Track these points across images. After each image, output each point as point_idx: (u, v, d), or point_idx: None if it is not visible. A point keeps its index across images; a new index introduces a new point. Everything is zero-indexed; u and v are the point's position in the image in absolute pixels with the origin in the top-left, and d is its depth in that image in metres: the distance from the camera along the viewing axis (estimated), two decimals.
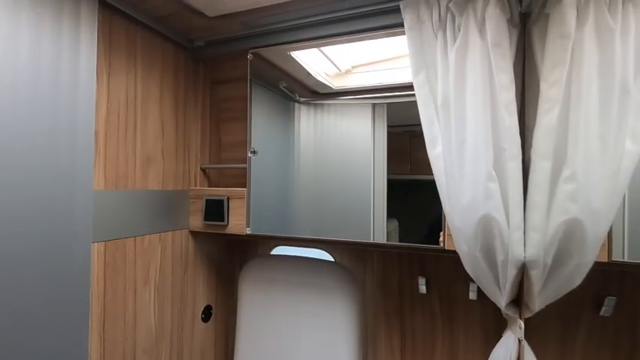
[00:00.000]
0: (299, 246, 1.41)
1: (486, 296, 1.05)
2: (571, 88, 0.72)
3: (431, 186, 0.86)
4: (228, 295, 1.42)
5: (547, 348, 0.98)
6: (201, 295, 1.29)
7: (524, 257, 0.74)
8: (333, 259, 1.34)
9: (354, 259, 1.29)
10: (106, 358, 0.93)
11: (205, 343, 1.31)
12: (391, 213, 1.02)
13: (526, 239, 0.74)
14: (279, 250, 1.45)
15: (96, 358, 0.90)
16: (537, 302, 0.78)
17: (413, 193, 1.02)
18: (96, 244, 0.89)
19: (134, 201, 1.01)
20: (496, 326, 1.02)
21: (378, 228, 1.02)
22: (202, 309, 1.30)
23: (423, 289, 1.10)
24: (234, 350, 1.34)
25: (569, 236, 0.72)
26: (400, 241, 1.00)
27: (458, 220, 0.81)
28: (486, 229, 0.77)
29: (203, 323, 1.31)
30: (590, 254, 0.72)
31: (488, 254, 0.79)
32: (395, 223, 1.03)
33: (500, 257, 0.77)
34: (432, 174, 0.85)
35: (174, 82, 1.16)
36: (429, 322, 1.12)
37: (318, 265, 1.27)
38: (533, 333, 0.78)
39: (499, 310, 0.87)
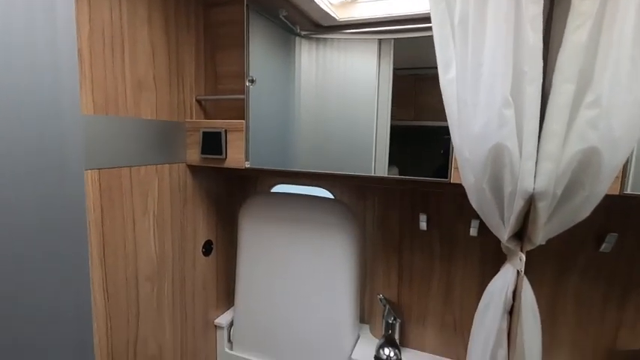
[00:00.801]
0: (299, 184, 1.39)
1: (486, 233, 1.05)
2: (607, 1, 0.64)
3: (435, 133, 0.82)
4: (228, 231, 1.43)
5: (543, 282, 0.99)
6: (201, 230, 1.29)
7: (534, 188, 0.71)
8: (333, 197, 1.33)
9: (354, 197, 1.28)
10: (108, 283, 0.95)
11: (207, 275, 1.35)
12: (392, 161, 0.98)
13: (537, 170, 0.71)
14: (279, 189, 1.44)
15: (98, 282, 0.92)
16: (541, 235, 0.77)
17: (415, 139, 0.97)
18: (89, 171, 0.86)
19: (127, 129, 0.96)
20: (494, 263, 1.03)
21: (379, 161, 0.98)
22: (203, 243, 1.31)
23: (423, 225, 1.10)
24: (235, 284, 1.38)
25: (584, 166, 0.68)
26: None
27: (467, 150, 0.77)
28: (497, 159, 0.73)
29: (204, 257, 1.33)
30: (603, 186, 0.70)
31: (496, 185, 0.76)
32: (395, 171, 0.99)
33: (508, 189, 0.74)
34: (437, 120, 0.81)
35: (163, 0, 1.06)
36: (427, 257, 1.13)
37: (318, 202, 1.26)
38: (530, 267, 0.78)
39: (498, 246, 0.86)
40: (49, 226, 0.77)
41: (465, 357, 0.90)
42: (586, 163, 0.68)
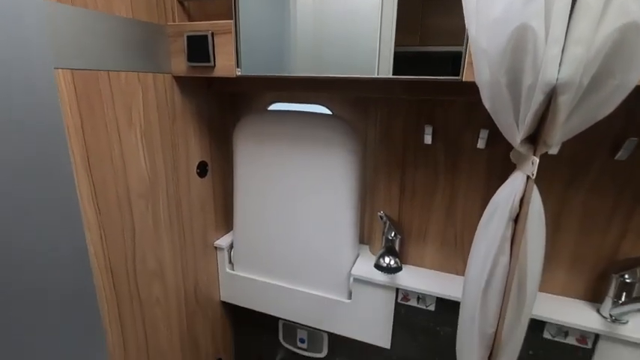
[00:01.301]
0: (296, 102, 1.31)
1: (494, 144, 1.00)
2: None
3: (441, 59, 0.79)
4: (224, 151, 1.37)
5: (551, 189, 0.96)
6: (193, 149, 1.23)
7: (557, 79, 0.63)
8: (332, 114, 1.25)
9: (355, 112, 1.21)
10: (98, 197, 0.91)
11: (204, 196, 1.32)
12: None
13: (563, 57, 0.62)
14: (275, 108, 1.36)
15: (87, 196, 0.88)
16: (558, 135, 0.70)
17: (420, 66, 0.86)
18: (60, 70, 0.77)
19: (100, 26, 0.85)
20: (500, 176, 0.99)
21: (383, 63, 0.88)
22: (197, 164, 1.26)
23: (428, 139, 1.03)
24: (234, 205, 1.36)
25: (618, 48, 0.60)
26: None
27: (484, 39, 0.68)
28: (518, 45, 0.64)
29: (199, 178, 1.29)
30: (636, 73, 0.62)
31: (514, 79, 0.68)
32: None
33: (527, 81, 0.66)
34: (445, 44, 0.77)
35: None
36: (431, 171, 1.09)
37: (317, 118, 1.19)
38: (539, 174, 0.73)
39: (505, 159, 0.81)
40: (20, 130, 0.71)
41: (464, 271, 0.89)
42: (621, 44, 0.59)
